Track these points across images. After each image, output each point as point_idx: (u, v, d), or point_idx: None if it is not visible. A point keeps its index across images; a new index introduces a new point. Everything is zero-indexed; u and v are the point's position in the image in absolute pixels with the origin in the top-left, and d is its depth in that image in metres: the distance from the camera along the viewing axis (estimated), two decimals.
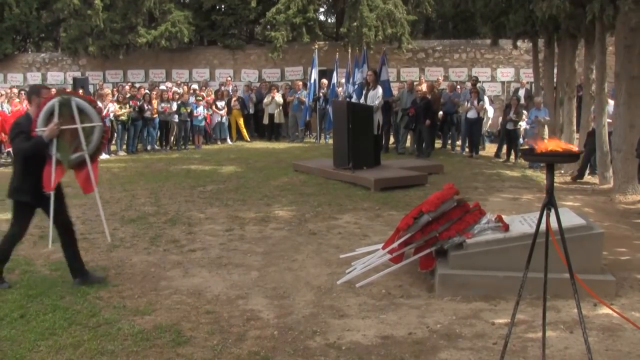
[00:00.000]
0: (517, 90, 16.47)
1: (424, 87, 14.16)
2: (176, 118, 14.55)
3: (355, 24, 17.61)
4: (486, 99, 14.32)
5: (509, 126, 12.92)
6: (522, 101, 14.97)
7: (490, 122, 15.46)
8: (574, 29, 10.41)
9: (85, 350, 3.69)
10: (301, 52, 18.81)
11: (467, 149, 13.53)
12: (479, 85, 14.64)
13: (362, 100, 10.98)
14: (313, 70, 16.04)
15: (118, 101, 13.85)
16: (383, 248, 5.06)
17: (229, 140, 16.29)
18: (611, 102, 9.79)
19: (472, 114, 13.20)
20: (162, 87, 16.06)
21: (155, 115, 14.35)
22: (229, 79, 17.95)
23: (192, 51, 19.88)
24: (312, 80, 16.00)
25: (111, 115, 13.54)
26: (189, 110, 14.63)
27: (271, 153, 13.80)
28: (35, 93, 4.87)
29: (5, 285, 4.80)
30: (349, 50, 17.10)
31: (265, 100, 16.42)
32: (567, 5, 8.39)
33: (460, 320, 4.16)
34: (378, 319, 4.20)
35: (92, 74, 19.18)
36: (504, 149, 12.98)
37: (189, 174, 10.69)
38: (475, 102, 13.17)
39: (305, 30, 18.36)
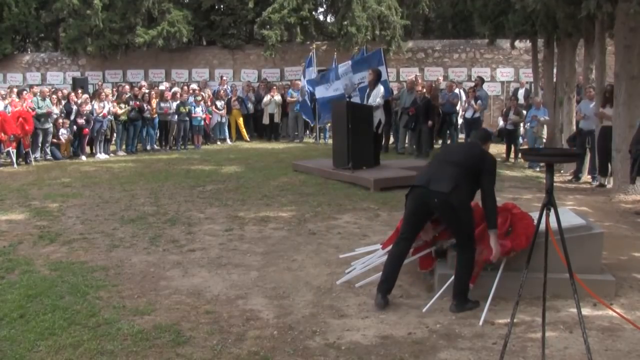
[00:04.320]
0: (516, 90, 16.48)
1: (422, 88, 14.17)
2: (175, 118, 14.54)
3: (345, 23, 17.64)
4: (462, 93, 14.65)
5: (509, 126, 12.93)
6: (522, 101, 14.99)
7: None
8: (573, 29, 10.42)
9: (84, 350, 3.69)
10: (301, 52, 18.81)
11: None
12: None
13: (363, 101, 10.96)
14: (310, 70, 15.93)
15: (117, 101, 13.82)
16: (383, 248, 5.06)
17: (228, 140, 16.29)
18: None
19: (470, 114, 13.21)
20: (162, 87, 16.05)
21: (155, 115, 14.34)
22: (224, 78, 17.92)
23: (191, 51, 19.88)
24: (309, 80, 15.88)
25: (111, 115, 13.55)
26: (187, 110, 14.62)
27: (271, 153, 13.79)
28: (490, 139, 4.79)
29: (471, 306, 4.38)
30: (353, 50, 17.10)
31: (265, 100, 16.42)
32: (560, 1, 8.36)
33: (460, 320, 4.16)
34: (378, 319, 4.20)
35: (92, 74, 19.18)
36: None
37: (188, 174, 10.69)
38: (473, 102, 13.17)
39: (299, 30, 18.38)
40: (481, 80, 14.95)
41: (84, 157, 13.18)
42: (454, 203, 4.29)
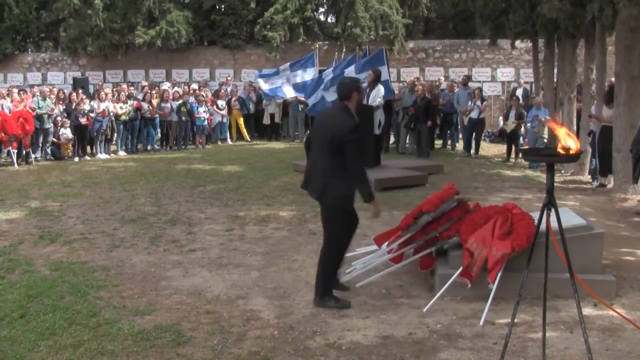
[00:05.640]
0: (514, 90, 16.44)
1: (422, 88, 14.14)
2: (175, 117, 14.52)
3: (349, 23, 17.64)
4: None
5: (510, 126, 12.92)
6: (520, 101, 14.97)
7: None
8: (574, 29, 10.40)
9: (85, 350, 3.69)
10: (302, 52, 18.78)
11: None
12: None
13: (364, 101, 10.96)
14: (311, 70, 15.87)
15: (116, 101, 13.79)
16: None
17: (229, 140, 16.29)
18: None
19: (474, 114, 13.20)
20: (163, 87, 16.05)
21: (156, 115, 14.34)
22: (229, 79, 17.96)
23: (192, 51, 19.87)
24: (310, 80, 15.83)
25: (111, 115, 13.54)
26: (188, 110, 14.60)
27: (271, 153, 13.79)
28: (356, 89, 4.57)
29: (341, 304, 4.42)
30: (344, 50, 17.10)
31: (265, 100, 16.42)
32: (567, 6, 8.37)
33: (460, 320, 4.16)
34: (378, 319, 4.20)
35: (92, 74, 19.17)
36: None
37: (189, 174, 10.69)
38: (479, 103, 13.14)
39: (302, 31, 18.38)
40: (467, 79, 14.95)
41: (86, 157, 13.19)
42: (325, 203, 4.47)
